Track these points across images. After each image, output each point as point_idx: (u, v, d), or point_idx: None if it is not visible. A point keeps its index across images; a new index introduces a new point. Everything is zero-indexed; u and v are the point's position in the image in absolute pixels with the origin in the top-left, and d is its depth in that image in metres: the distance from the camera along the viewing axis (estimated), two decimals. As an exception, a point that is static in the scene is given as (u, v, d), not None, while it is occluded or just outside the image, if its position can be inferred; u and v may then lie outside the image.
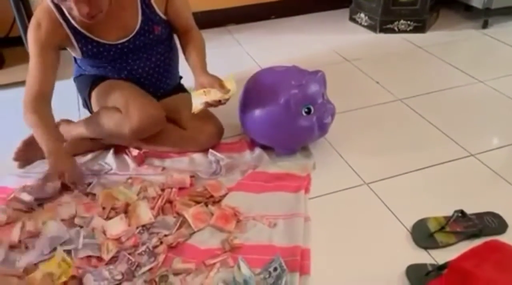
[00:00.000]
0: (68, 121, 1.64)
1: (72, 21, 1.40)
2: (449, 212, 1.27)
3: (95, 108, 1.58)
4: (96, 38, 1.44)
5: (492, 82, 1.98)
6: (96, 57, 1.48)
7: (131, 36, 1.47)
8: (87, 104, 1.63)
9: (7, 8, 2.00)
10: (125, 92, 1.48)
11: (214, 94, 1.35)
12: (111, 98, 1.49)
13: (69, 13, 1.35)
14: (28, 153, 1.54)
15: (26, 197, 1.34)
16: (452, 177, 1.45)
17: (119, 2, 1.41)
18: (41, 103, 1.40)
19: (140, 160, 1.54)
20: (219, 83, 1.37)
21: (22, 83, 2.04)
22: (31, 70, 1.41)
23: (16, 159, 1.53)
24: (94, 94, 1.56)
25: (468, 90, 1.95)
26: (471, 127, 1.69)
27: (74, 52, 1.51)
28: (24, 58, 2.07)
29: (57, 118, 1.60)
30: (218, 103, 1.36)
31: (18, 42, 2.07)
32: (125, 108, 1.44)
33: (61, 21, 1.39)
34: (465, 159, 1.53)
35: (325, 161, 1.54)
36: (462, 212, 1.26)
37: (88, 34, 1.43)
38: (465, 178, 1.44)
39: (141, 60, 1.54)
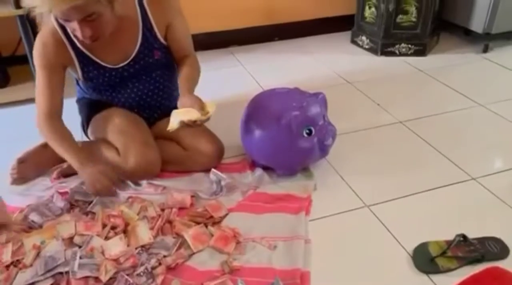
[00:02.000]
0: None
1: (76, 42, 1.42)
2: (451, 236, 1.26)
3: (91, 135, 1.61)
4: (97, 60, 1.46)
5: (493, 106, 1.99)
6: (97, 79, 1.50)
7: (130, 59, 1.49)
8: (84, 128, 1.66)
9: (14, 28, 2.03)
10: (124, 130, 1.48)
11: (192, 114, 1.34)
12: (110, 134, 1.51)
13: (73, 34, 1.37)
14: (23, 171, 1.55)
15: (36, 217, 1.34)
16: (453, 201, 1.44)
17: (121, 25, 1.43)
18: (56, 121, 1.45)
19: (141, 180, 1.54)
20: (200, 105, 1.36)
21: (26, 101, 2.09)
22: (38, 88, 1.44)
23: (12, 179, 1.54)
24: (92, 123, 1.58)
25: (469, 113, 1.96)
26: (472, 151, 1.69)
27: (75, 74, 1.53)
28: (28, 76, 2.12)
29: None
30: (194, 123, 1.34)
31: (24, 60, 2.10)
32: (123, 150, 1.46)
33: (65, 41, 1.42)
34: (467, 182, 1.52)
35: (326, 183, 1.53)
36: (463, 236, 1.25)
37: (90, 55, 1.45)
38: (467, 202, 1.44)
39: (140, 83, 1.55)
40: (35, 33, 2.11)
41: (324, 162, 1.62)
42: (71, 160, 1.43)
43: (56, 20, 1.37)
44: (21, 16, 1.95)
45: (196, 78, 1.55)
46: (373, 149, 1.72)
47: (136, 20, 1.47)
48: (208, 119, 1.35)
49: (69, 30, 1.37)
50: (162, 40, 1.52)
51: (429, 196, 1.47)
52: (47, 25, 1.41)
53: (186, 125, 1.34)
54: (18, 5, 1.91)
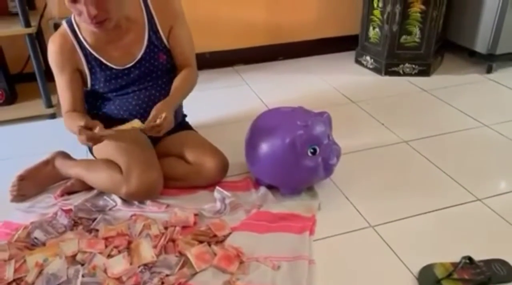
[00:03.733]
0: (64, 155, 1.65)
1: (84, 43, 1.47)
2: (457, 258, 1.24)
3: (95, 152, 1.63)
4: (104, 61, 1.50)
5: (498, 126, 1.99)
6: (104, 83, 1.52)
7: (136, 60, 1.52)
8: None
9: (23, 46, 2.06)
10: (127, 150, 1.49)
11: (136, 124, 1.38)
12: (113, 153, 1.52)
13: (78, 24, 1.45)
14: (23, 188, 1.56)
15: (39, 234, 1.34)
16: (459, 222, 1.43)
17: (128, 26, 1.48)
18: (73, 113, 1.52)
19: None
20: (153, 117, 1.38)
21: (32, 118, 2.11)
22: (58, 90, 1.54)
23: (11, 196, 1.54)
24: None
25: (473, 133, 1.96)
26: (477, 171, 1.69)
27: (84, 79, 1.55)
28: (36, 94, 2.14)
29: (55, 148, 1.65)
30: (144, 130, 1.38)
31: (32, 78, 2.12)
32: (126, 170, 1.47)
33: (75, 43, 1.47)
34: (472, 203, 1.51)
35: (331, 202, 1.53)
36: (470, 258, 1.23)
37: (97, 56, 1.49)
38: (472, 223, 1.42)
39: (146, 89, 1.57)
40: (43, 51, 2.15)
41: (329, 182, 1.61)
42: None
43: (67, 23, 1.46)
44: (30, 35, 1.98)
45: (187, 89, 1.58)
46: (378, 168, 1.72)
47: (142, 21, 1.51)
48: (142, 128, 1.36)
49: (76, 18, 1.40)
50: (166, 42, 1.55)
51: (435, 217, 1.45)
52: (59, 29, 1.49)
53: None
54: (27, 24, 1.95)
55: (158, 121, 1.37)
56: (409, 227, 1.41)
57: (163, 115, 1.37)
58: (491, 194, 1.54)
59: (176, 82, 1.56)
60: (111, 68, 1.51)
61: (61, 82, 1.51)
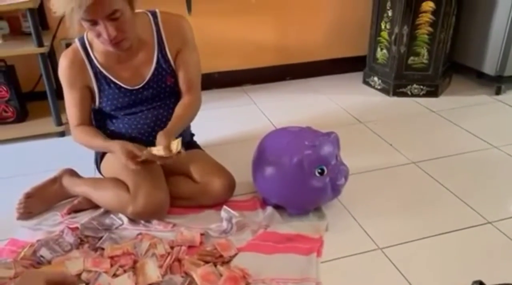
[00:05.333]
0: (72, 173, 1.65)
1: (95, 60, 1.50)
2: (467, 283, 1.21)
3: (103, 170, 1.64)
4: (114, 79, 1.52)
5: (507, 148, 1.97)
6: (112, 101, 1.54)
7: (145, 82, 1.54)
8: (97, 163, 1.68)
9: (35, 65, 2.10)
10: (137, 171, 1.48)
11: (156, 151, 1.39)
12: (121, 172, 1.53)
13: (90, 42, 1.49)
14: (30, 206, 1.56)
15: (45, 252, 1.34)
16: (469, 245, 1.40)
17: (138, 47, 1.50)
18: (84, 126, 1.55)
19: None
20: (166, 144, 1.39)
21: (42, 136, 2.13)
22: (66, 104, 1.56)
23: (18, 214, 1.55)
24: (105, 160, 1.62)
25: (483, 155, 1.94)
26: (487, 193, 1.66)
27: (92, 99, 1.57)
28: (46, 112, 2.17)
29: (63, 166, 1.66)
30: (160, 158, 1.39)
31: (43, 96, 2.15)
32: (133, 189, 1.48)
33: (85, 60, 1.50)
34: (482, 226, 1.49)
35: (338, 223, 1.51)
36: (481, 283, 1.20)
37: (107, 74, 1.51)
38: (483, 247, 1.40)
39: (154, 109, 1.58)
40: (55, 70, 2.18)
41: (336, 203, 1.60)
42: (104, 150, 1.56)
43: (79, 41, 1.49)
44: (42, 54, 2.02)
45: (187, 119, 1.60)
46: (387, 190, 1.70)
47: (152, 43, 1.53)
48: (170, 156, 1.38)
49: (94, 38, 1.41)
50: (174, 66, 1.57)
51: (444, 239, 1.43)
52: (72, 45, 1.52)
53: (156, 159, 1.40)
54: (40, 44, 1.99)
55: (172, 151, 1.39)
56: (419, 249, 1.39)
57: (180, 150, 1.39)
58: (502, 217, 1.52)
59: (179, 109, 1.56)
60: (120, 87, 1.53)
61: (70, 97, 1.53)
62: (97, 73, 1.51)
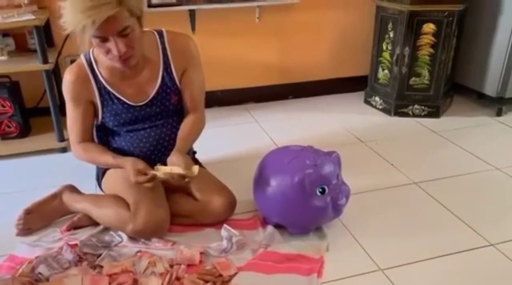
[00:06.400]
0: (72, 189, 1.65)
1: (99, 76, 1.51)
2: (470, 306, 1.20)
3: (104, 187, 1.64)
4: (118, 95, 1.52)
5: (509, 169, 1.97)
6: (115, 116, 1.55)
7: (148, 99, 1.54)
8: (98, 179, 1.68)
9: (39, 81, 2.12)
10: (137, 186, 1.49)
11: (175, 170, 1.39)
12: (122, 189, 1.53)
13: (95, 58, 1.50)
14: (29, 222, 1.56)
15: (43, 269, 1.33)
16: (471, 267, 1.39)
17: (144, 65, 1.52)
18: (87, 143, 1.55)
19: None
20: (185, 165, 1.39)
21: (44, 151, 2.14)
22: (68, 120, 1.55)
23: (17, 230, 1.55)
24: (106, 176, 1.62)
25: (485, 176, 1.93)
26: (490, 215, 1.65)
27: (95, 115, 1.57)
28: (49, 128, 2.18)
29: (65, 182, 1.65)
30: (179, 177, 1.39)
31: (46, 112, 2.17)
32: (133, 207, 1.48)
33: (90, 75, 1.50)
34: (485, 248, 1.47)
35: (339, 244, 1.50)
36: (483, 306, 1.19)
37: (111, 90, 1.52)
38: (485, 269, 1.38)
39: (157, 127, 1.59)
40: (59, 87, 2.20)
41: (337, 222, 1.59)
42: (112, 167, 1.54)
43: (85, 56, 1.50)
44: (47, 71, 2.04)
45: (195, 136, 1.59)
46: (388, 210, 1.69)
47: (158, 61, 1.54)
48: (191, 176, 1.39)
49: (101, 55, 1.43)
50: (178, 84, 1.58)
51: (446, 261, 1.42)
52: (77, 61, 1.53)
53: (173, 179, 1.39)
54: (45, 61, 2.01)
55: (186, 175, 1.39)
56: (420, 271, 1.38)
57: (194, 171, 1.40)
58: (505, 239, 1.51)
59: (185, 129, 1.56)
60: (123, 102, 1.54)
61: (73, 112, 1.53)
62: (101, 89, 1.52)
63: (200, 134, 1.62)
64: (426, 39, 2.41)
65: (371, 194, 1.80)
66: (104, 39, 1.33)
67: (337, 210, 1.47)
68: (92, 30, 1.27)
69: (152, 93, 1.55)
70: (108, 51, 1.37)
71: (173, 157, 1.43)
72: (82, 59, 1.52)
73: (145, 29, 1.49)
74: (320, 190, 1.42)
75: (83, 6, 1.23)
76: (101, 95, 1.52)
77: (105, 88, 1.52)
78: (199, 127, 1.61)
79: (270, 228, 1.54)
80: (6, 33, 2.19)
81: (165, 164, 1.45)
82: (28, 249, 1.46)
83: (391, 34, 2.50)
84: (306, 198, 1.42)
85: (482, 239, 1.51)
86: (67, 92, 1.52)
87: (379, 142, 2.26)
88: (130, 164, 1.43)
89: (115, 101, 1.53)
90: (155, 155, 1.61)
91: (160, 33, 1.56)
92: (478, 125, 2.46)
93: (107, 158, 1.51)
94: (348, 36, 2.82)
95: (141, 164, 1.43)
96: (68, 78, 1.51)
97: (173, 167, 1.40)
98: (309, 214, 1.46)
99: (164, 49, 1.55)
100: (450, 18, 2.35)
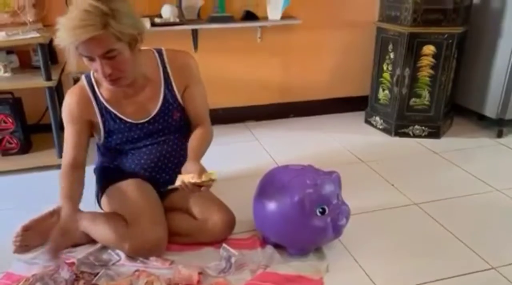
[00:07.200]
0: None
1: (101, 98, 1.52)
2: (472, 331, 1.18)
3: (103, 205, 1.63)
4: (119, 114, 1.53)
5: (510, 191, 1.96)
6: (117, 135, 1.55)
7: (151, 117, 1.55)
8: (98, 197, 1.67)
9: (42, 98, 2.14)
10: (135, 205, 1.50)
11: (195, 179, 1.38)
12: (121, 207, 1.53)
13: (96, 79, 1.50)
14: (27, 239, 1.55)
15: None
16: (473, 291, 1.37)
17: (144, 84, 1.53)
18: (74, 169, 1.50)
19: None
20: (202, 172, 1.39)
21: (46, 167, 2.14)
22: (66, 139, 1.53)
23: (14, 247, 1.53)
24: (106, 194, 1.61)
25: (485, 198, 1.92)
26: (491, 238, 1.64)
27: (97, 133, 1.58)
28: (50, 144, 2.18)
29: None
30: (195, 186, 1.38)
31: (47, 129, 2.18)
32: (131, 226, 1.47)
33: (91, 97, 1.52)
34: (487, 272, 1.45)
35: (339, 265, 1.48)
36: (485, 331, 1.17)
37: (113, 110, 1.53)
38: (487, 293, 1.37)
39: (159, 144, 1.59)
40: (61, 104, 2.21)
41: (337, 243, 1.58)
42: (62, 206, 1.42)
43: (86, 78, 1.52)
44: (50, 88, 2.05)
45: (205, 147, 1.59)
46: (388, 231, 1.68)
47: (159, 79, 1.56)
48: (210, 184, 1.38)
49: (94, 74, 1.46)
50: (180, 101, 1.59)
51: (447, 284, 1.40)
52: (78, 83, 1.55)
53: (187, 188, 1.38)
54: (48, 77, 2.03)
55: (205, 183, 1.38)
56: (421, 294, 1.36)
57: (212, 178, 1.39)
58: (506, 263, 1.49)
59: (194, 140, 1.57)
60: (125, 121, 1.54)
61: (69, 134, 1.52)
62: (102, 109, 1.53)
63: (209, 145, 1.62)
64: (426, 61, 2.43)
65: (371, 214, 1.79)
66: (90, 59, 1.35)
67: (337, 230, 1.46)
68: (75, 49, 1.30)
69: (155, 110, 1.56)
70: (96, 70, 1.39)
71: (187, 165, 1.44)
72: (83, 80, 1.54)
73: (145, 47, 1.51)
74: (320, 210, 1.42)
75: (70, 24, 1.26)
76: (102, 115, 1.53)
77: (106, 108, 1.53)
78: (208, 137, 1.62)
79: (269, 248, 1.53)
80: (10, 50, 2.22)
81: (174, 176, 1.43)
82: (25, 267, 1.45)
83: (392, 55, 2.53)
84: (306, 218, 1.41)
85: (484, 262, 1.50)
86: (66, 113, 1.52)
87: (379, 162, 2.26)
88: (64, 216, 1.38)
89: (117, 120, 1.54)
90: (156, 172, 1.61)
91: (160, 52, 1.58)
92: (478, 147, 2.46)
93: (62, 191, 1.44)
94: (348, 57, 2.85)
95: (74, 224, 1.40)
96: (69, 100, 1.52)
97: (189, 175, 1.38)
98: (309, 234, 1.45)
99: (164, 67, 1.57)
100: (450, 40, 2.37)
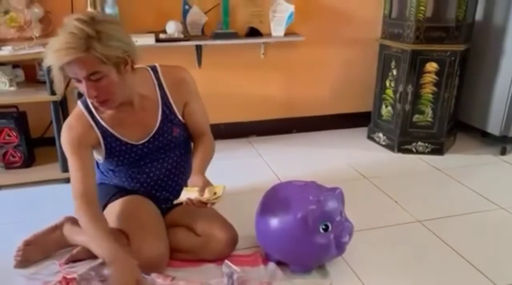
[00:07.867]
0: (74, 221, 1.61)
1: (101, 121, 1.50)
2: None
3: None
4: (119, 136, 1.52)
5: (515, 209, 1.95)
6: (118, 157, 1.55)
7: (151, 135, 1.55)
8: None
9: (46, 112, 2.15)
10: (138, 221, 1.49)
11: (204, 194, 1.37)
12: (122, 223, 1.51)
13: (95, 107, 1.48)
14: (28, 254, 1.54)
15: None
16: (478, 311, 1.35)
17: (142, 104, 1.52)
18: (92, 205, 1.44)
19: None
20: (208, 186, 1.39)
21: (49, 181, 2.13)
22: (71, 171, 1.47)
23: (15, 262, 1.53)
24: (107, 210, 1.60)
25: (490, 216, 1.91)
26: (496, 256, 1.62)
27: (99, 153, 1.57)
28: (54, 158, 2.19)
29: (67, 213, 1.64)
30: (201, 203, 1.37)
31: (51, 142, 2.18)
32: (133, 241, 1.46)
33: (92, 122, 1.50)
34: (491, 291, 1.44)
35: (342, 282, 1.47)
36: None
37: (113, 132, 1.51)
38: (493, 313, 1.35)
39: (159, 162, 1.59)
40: (65, 118, 2.22)
41: (340, 260, 1.56)
42: (103, 250, 1.38)
43: (83, 104, 1.50)
44: (55, 102, 2.07)
45: (209, 158, 1.60)
46: (392, 248, 1.67)
47: (156, 98, 1.55)
48: (215, 202, 1.37)
49: (94, 112, 1.46)
50: (180, 117, 1.59)
51: (452, 303, 1.38)
52: (75, 110, 1.51)
53: (192, 203, 1.37)
54: (53, 92, 2.04)
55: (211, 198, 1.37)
56: (425, 313, 1.34)
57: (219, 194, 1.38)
58: (510, 281, 1.47)
59: (199, 154, 1.57)
60: (126, 143, 1.54)
61: (75, 164, 1.46)
62: (104, 132, 1.51)
63: (213, 155, 1.62)
64: (429, 78, 2.44)
65: (374, 231, 1.78)
66: (77, 80, 1.35)
67: (340, 248, 1.45)
68: (59, 70, 1.31)
69: (155, 128, 1.55)
70: (83, 92, 1.38)
71: (193, 178, 1.44)
72: (80, 106, 1.51)
73: (139, 65, 1.48)
74: (323, 227, 1.41)
75: (55, 46, 1.27)
76: (104, 138, 1.51)
77: (107, 131, 1.51)
78: (211, 146, 1.63)
79: (271, 265, 1.52)
80: (16, 65, 2.24)
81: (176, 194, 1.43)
82: (26, 282, 1.44)
83: (394, 72, 2.54)
84: (309, 235, 1.40)
85: (487, 281, 1.48)
86: (68, 145, 1.46)
87: (382, 179, 2.25)
88: (121, 264, 1.34)
89: (118, 142, 1.53)
90: (156, 190, 1.61)
91: (154, 69, 1.57)
92: (482, 164, 2.45)
93: (101, 234, 1.38)
94: (351, 73, 2.87)
95: (138, 272, 1.34)
96: (71, 133, 1.47)
97: (195, 189, 1.38)
98: (311, 251, 1.44)
99: (160, 84, 1.56)
100: (453, 58, 2.38)
